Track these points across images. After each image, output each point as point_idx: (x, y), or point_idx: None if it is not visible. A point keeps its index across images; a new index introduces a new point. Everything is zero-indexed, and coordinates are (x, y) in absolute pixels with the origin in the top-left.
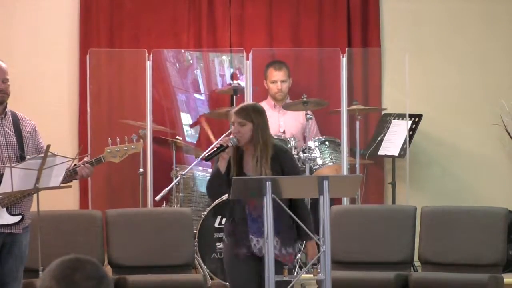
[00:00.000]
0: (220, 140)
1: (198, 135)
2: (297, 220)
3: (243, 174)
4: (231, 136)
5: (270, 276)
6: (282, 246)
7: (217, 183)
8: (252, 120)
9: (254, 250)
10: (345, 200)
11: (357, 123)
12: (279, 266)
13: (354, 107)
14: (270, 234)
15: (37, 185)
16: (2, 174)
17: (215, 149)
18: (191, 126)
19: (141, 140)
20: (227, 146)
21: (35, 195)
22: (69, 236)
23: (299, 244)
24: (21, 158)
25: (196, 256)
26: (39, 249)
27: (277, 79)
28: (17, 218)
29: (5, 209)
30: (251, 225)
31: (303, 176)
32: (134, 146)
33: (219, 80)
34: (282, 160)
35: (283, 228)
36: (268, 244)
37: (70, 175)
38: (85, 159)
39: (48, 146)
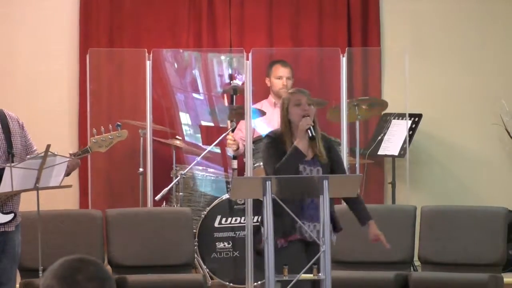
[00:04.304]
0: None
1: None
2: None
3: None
4: (305, 119)
5: (271, 275)
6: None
7: (294, 163)
8: (313, 104)
9: (306, 234)
10: None
11: (357, 122)
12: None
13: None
14: (270, 233)
15: (37, 185)
16: None
17: (307, 133)
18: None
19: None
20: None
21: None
22: (69, 236)
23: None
24: (11, 156)
25: (196, 256)
26: (39, 249)
27: (283, 75)
28: (9, 217)
29: None
30: (303, 212)
31: (303, 176)
32: (119, 134)
33: (217, 80)
34: (331, 148)
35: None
36: (268, 244)
37: None
38: (71, 151)
39: (48, 146)
